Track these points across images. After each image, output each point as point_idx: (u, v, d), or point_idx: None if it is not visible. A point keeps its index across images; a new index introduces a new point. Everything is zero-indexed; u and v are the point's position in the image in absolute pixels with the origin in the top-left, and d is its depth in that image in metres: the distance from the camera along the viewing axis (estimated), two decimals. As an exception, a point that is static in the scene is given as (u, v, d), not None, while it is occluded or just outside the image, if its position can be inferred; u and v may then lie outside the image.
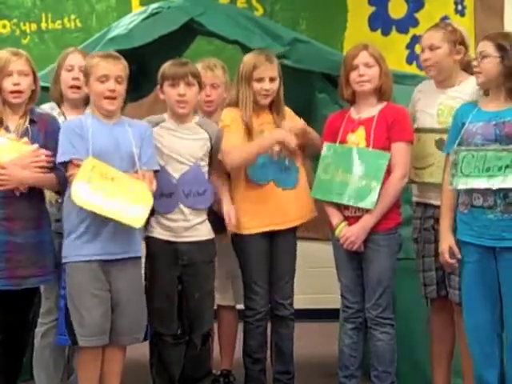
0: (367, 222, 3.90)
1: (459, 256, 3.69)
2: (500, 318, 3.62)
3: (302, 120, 4.23)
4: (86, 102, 4.09)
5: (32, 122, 3.82)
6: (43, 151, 3.76)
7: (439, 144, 3.93)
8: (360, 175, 3.92)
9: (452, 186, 3.66)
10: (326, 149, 4.08)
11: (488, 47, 3.59)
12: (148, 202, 3.70)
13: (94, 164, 3.64)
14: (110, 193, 3.62)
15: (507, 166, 3.49)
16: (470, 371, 3.81)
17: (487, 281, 3.59)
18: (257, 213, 4.13)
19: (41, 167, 3.74)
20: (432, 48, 3.95)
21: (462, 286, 3.74)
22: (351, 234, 3.91)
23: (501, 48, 3.55)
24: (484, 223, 3.57)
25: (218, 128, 4.13)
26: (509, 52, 3.54)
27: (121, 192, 3.65)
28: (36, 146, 3.76)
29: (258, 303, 4.18)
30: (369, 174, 3.91)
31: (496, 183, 3.50)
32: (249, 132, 4.12)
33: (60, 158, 3.71)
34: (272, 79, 4.12)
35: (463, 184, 3.60)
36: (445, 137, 3.86)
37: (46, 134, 3.82)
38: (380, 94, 3.99)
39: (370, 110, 4.00)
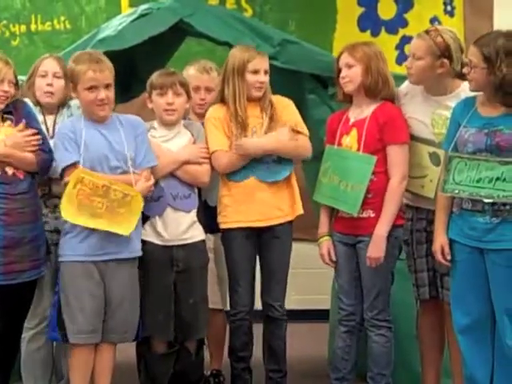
0: (378, 233, 3.86)
1: (449, 257, 3.69)
2: (491, 318, 3.61)
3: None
4: (59, 105, 4.16)
5: (9, 112, 3.88)
6: (31, 131, 3.86)
7: (433, 158, 3.90)
8: (348, 179, 3.93)
9: (443, 193, 3.66)
10: (326, 152, 4.09)
11: (475, 57, 3.52)
12: (138, 209, 3.77)
13: (82, 175, 3.70)
14: (100, 204, 3.70)
15: (498, 179, 3.48)
16: (459, 372, 3.82)
17: (476, 280, 3.60)
18: (236, 209, 4.10)
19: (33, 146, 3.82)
20: (415, 57, 3.88)
21: (451, 285, 3.75)
22: (370, 254, 3.86)
23: (486, 59, 3.48)
24: (473, 225, 3.58)
25: (199, 125, 4.18)
26: (495, 63, 3.46)
27: (110, 201, 3.72)
28: (22, 124, 3.85)
29: (238, 303, 4.16)
30: (355, 178, 3.90)
31: (485, 196, 3.50)
32: (242, 127, 4.08)
33: (60, 165, 3.79)
34: (266, 72, 4.12)
35: (454, 192, 3.60)
36: (439, 151, 3.84)
37: (21, 118, 3.89)
38: (365, 91, 3.96)
39: (364, 110, 3.98)
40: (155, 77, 4.06)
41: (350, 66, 3.96)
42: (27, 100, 4.09)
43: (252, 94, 4.10)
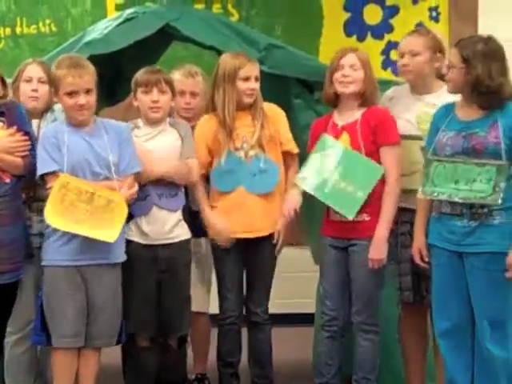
0: (378, 235, 3.87)
1: (426, 259, 3.73)
2: (471, 322, 3.64)
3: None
4: (43, 110, 4.15)
5: (1, 114, 3.87)
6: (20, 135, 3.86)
7: (425, 152, 3.92)
8: (352, 180, 3.91)
9: (422, 195, 3.71)
10: (323, 141, 4.01)
11: (454, 57, 3.60)
12: (122, 216, 3.76)
13: (67, 180, 3.70)
14: (84, 211, 3.69)
15: (474, 180, 3.53)
16: (442, 375, 3.83)
17: (456, 284, 3.63)
18: (224, 219, 4.11)
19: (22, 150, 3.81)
20: (412, 54, 3.93)
21: (432, 289, 3.77)
22: (372, 256, 3.87)
23: (464, 60, 3.55)
24: (451, 229, 3.61)
25: (186, 124, 4.18)
26: (472, 64, 3.53)
27: (94, 208, 3.71)
28: (13, 129, 3.84)
29: (227, 308, 4.18)
30: (357, 183, 3.90)
31: (462, 198, 3.54)
32: (229, 135, 4.09)
33: (38, 171, 3.78)
34: (256, 79, 4.13)
35: (433, 194, 3.64)
36: None
37: (13, 119, 3.87)
38: (363, 98, 3.97)
39: (353, 114, 3.98)
40: (140, 74, 4.06)
41: (355, 69, 3.95)
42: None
43: (243, 100, 4.10)
